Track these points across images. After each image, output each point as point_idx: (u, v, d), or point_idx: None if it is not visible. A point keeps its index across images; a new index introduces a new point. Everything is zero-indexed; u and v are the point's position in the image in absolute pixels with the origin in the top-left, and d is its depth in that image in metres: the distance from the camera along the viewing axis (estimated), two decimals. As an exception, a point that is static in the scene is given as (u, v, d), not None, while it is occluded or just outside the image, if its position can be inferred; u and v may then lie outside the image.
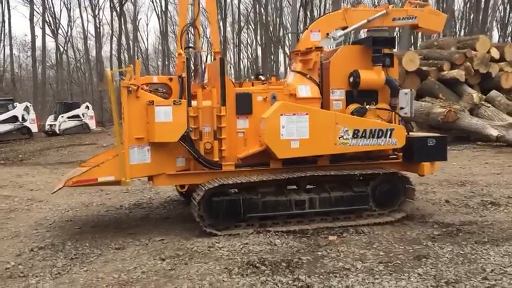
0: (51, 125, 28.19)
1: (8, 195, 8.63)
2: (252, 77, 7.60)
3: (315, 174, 5.87)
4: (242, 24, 50.82)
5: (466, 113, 14.47)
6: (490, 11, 37.44)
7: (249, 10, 50.89)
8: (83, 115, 29.72)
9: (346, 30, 6.51)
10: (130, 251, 5.18)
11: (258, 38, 50.01)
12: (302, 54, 6.35)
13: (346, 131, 5.83)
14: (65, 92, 50.13)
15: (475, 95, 15.30)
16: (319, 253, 4.93)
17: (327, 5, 44.35)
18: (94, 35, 48.64)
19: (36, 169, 12.99)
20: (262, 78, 6.82)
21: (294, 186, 6.18)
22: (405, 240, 5.30)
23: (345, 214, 6.01)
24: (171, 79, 6.11)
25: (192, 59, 6.13)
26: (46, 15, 46.08)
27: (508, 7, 44.59)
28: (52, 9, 48.79)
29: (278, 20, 48.43)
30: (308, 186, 6.15)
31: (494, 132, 13.33)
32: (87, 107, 30.49)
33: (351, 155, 6.16)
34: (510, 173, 9.51)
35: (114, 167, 5.48)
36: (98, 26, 48.20)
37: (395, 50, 6.53)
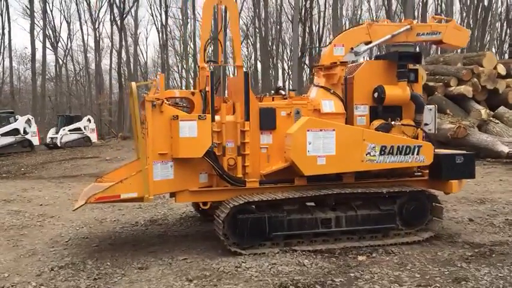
0: (52, 138, 27.87)
1: (18, 211, 8.40)
2: (272, 92, 7.47)
3: (342, 192, 5.72)
4: (241, 38, 50.96)
5: (475, 129, 14.40)
6: (487, 28, 37.77)
7: (248, 25, 51.14)
8: (84, 128, 29.45)
9: (370, 45, 6.42)
10: (154, 271, 4.99)
11: (258, 52, 50.14)
12: (326, 68, 6.24)
13: (374, 147, 5.71)
14: (63, 105, 49.81)
15: (483, 111, 15.27)
16: (352, 274, 4.76)
17: (326, 21, 44.69)
18: (94, 48, 48.60)
19: (41, 183, 12.75)
20: (283, 92, 6.71)
21: (313, 203, 6.01)
22: (438, 261, 5.13)
23: (371, 233, 5.85)
24: (193, 93, 5.98)
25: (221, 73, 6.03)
26: (46, 29, 46.03)
27: (504, 24, 45.02)
28: (52, 22, 48.60)
29: (277, 35, 48.64)
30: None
31: (505, 149, 13.22)
32: (89, 120, 30.22)
33: (376, 172, 6.02)
34: (527, 190, 9.39)
35: (138, 183, 5.31)
36: (98, 39, 48.17)
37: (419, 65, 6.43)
